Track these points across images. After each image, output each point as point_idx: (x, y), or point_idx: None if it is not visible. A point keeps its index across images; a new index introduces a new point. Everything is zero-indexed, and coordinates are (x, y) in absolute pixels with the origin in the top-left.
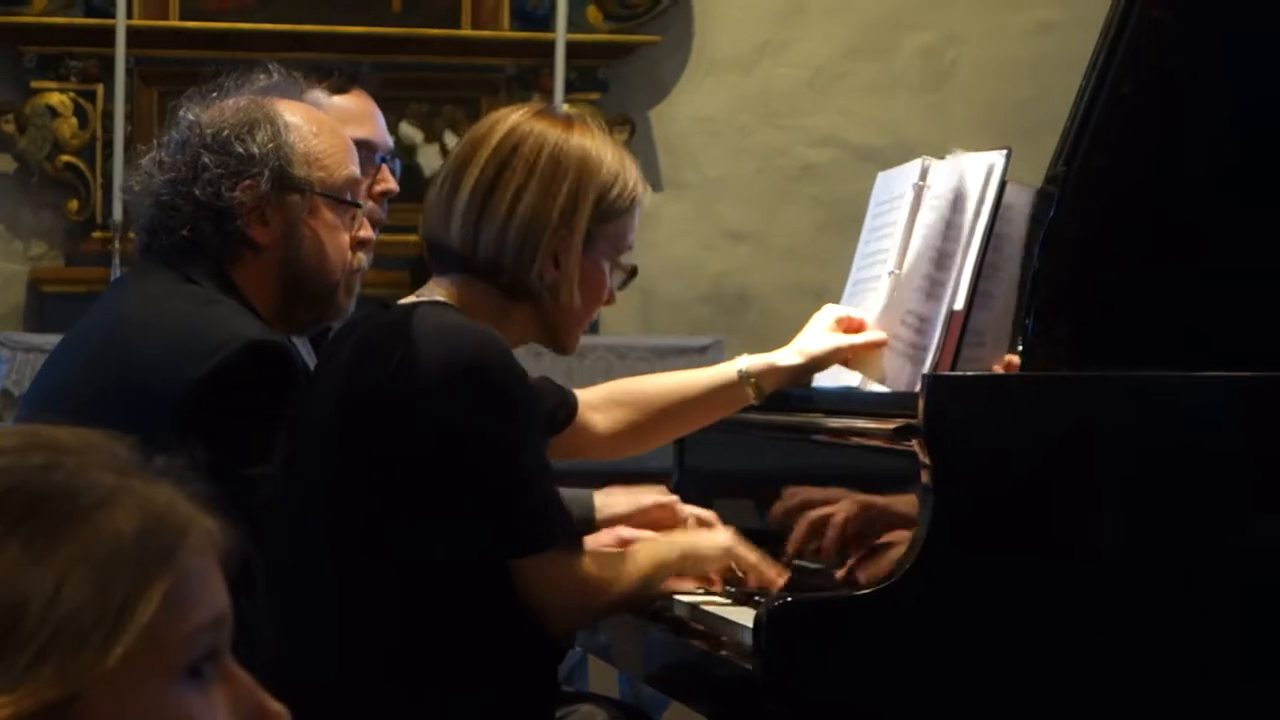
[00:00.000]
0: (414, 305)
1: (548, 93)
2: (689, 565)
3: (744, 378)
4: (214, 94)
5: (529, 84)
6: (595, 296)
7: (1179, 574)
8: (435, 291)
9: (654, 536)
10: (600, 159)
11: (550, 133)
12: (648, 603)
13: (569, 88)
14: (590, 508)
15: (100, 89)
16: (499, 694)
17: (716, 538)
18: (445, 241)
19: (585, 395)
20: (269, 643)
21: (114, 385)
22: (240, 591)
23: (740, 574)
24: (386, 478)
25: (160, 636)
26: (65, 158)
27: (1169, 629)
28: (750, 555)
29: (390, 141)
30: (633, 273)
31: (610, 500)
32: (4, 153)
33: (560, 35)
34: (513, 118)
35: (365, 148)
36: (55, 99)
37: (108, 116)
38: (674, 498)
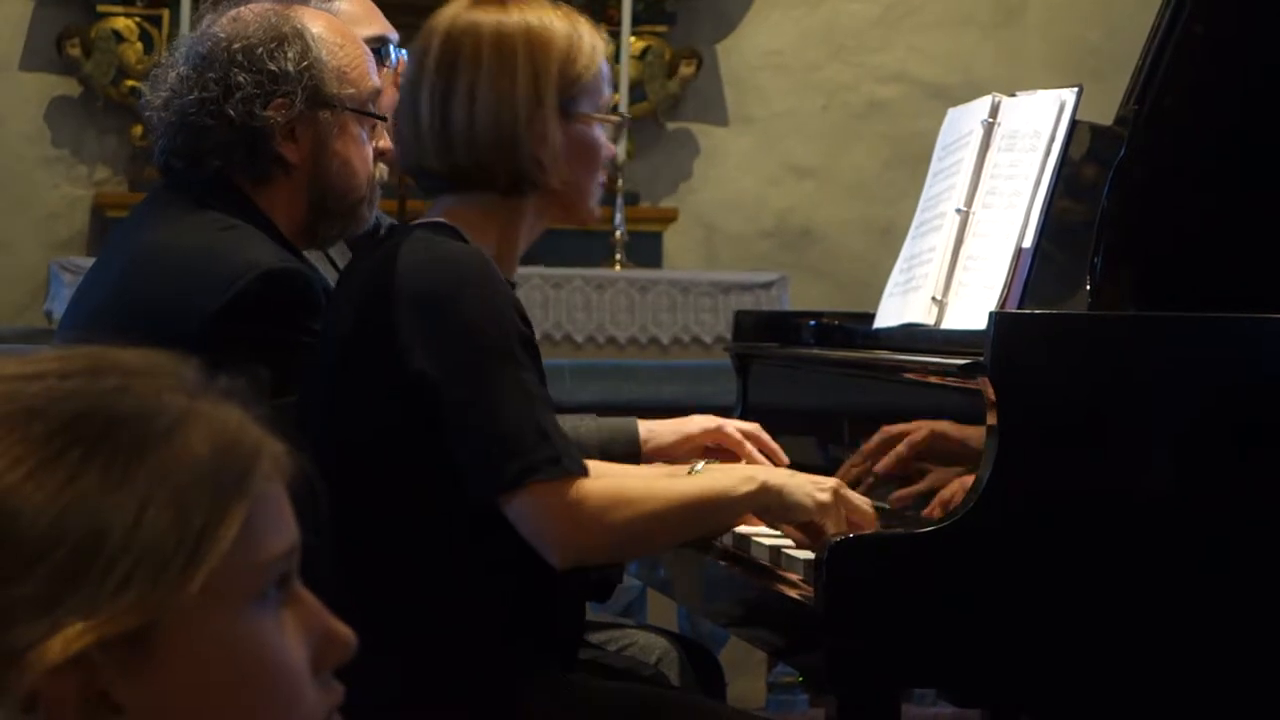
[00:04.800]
0: (410, 230)
1: (614, 24)
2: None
3: None
4: (232, 4)
5: (596, 15)
6: (594, 159)
7: (1243, 516)
8: (436, 213)
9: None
10: (547, 27)
11: (485, 20)
12: (687, 540)
13: (636, 20)
14: (634, 436)
15: (166, 14)
16: (513, 635)
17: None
18: (426, 166)
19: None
20: (328, 567)
21: (134, 319)
22: (303, 515)
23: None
24: (376, 414)
25: (238, 563)
26: (130, 82)
27: (1232, 571)
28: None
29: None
30: (622, 122)
31: (655, 429)
32: (69, 77)
33: None
34: (444, 24)
35: (380, 42)
36: (121, 24)
37: (173, 41)
38: (719, 421)
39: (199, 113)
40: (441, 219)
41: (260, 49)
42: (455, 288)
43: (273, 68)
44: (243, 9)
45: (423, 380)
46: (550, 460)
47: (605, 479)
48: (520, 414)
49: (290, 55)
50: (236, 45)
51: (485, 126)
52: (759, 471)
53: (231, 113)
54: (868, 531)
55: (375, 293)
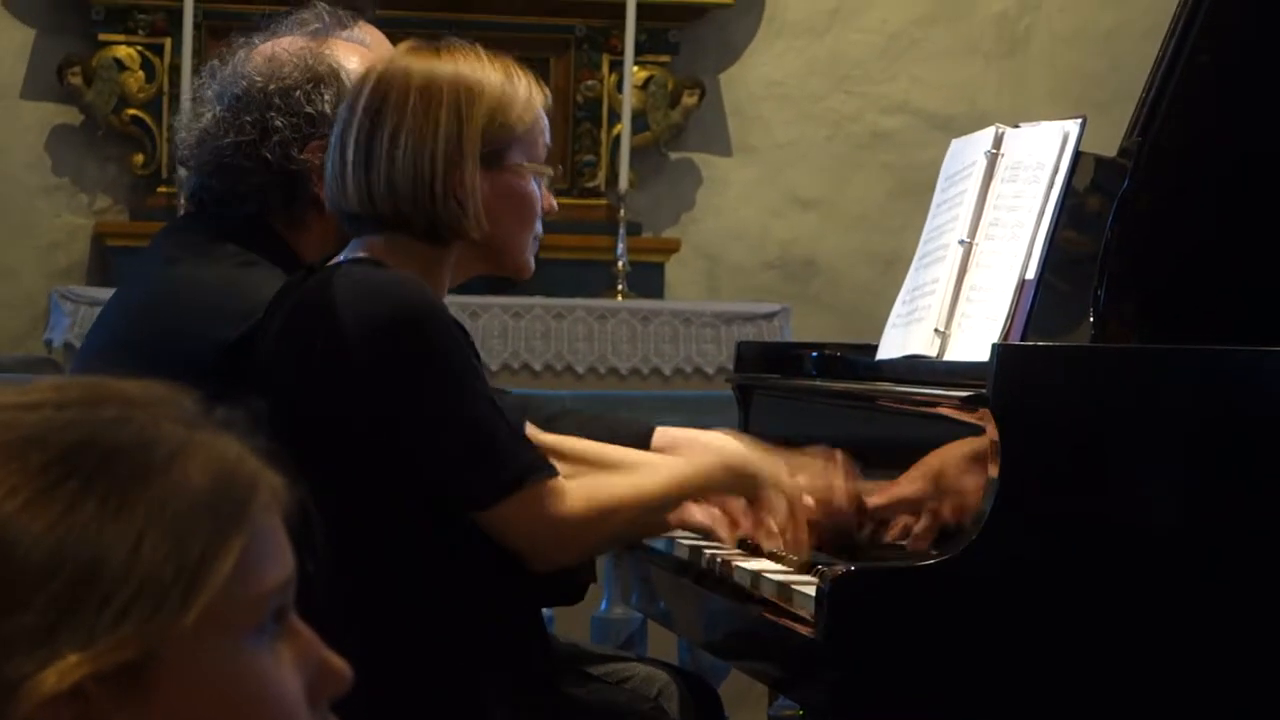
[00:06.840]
0: (335, 267)
1: (617, 54)
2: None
3: None
4: (263, 38)
5: (599, 45)
6: (523, 210)
7: (1251, 549)
8: (359, 249)
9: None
10: (478, 77)
11: (417, 65)
12: (655, 529)
13: (639, 49)
14: (647, 439)
15: (168, 42)
16: (481, 654)
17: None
18: (346, 207)
19: (537, 434)
20: (323, 598)
21: (153, 347)
22: (300, 547)
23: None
24: (331, 450)
25: (235, 595)
26: (131, 111)
27: (1240, 604)
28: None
29: None
30: (553, 175)
31: (670, 435)
32: (70, 105)
33: None
34: (379, 67)
35: None
36: (123, 52)
37: (175, 70)
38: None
39: (235, 155)
40: (363, 254)
41: (297, 91)
42: (410, 310)
43: (309, 110)
44: (277, 48)
45: (382, 409)
46: (540, 462)
47: (579, 479)
48: (490, 426)
49: (327, 97)
50: (273, 87)
51: (404, 174)
52: (723, 456)
53: (269, 155)
54: (874, 564)
55: (314, 328)
